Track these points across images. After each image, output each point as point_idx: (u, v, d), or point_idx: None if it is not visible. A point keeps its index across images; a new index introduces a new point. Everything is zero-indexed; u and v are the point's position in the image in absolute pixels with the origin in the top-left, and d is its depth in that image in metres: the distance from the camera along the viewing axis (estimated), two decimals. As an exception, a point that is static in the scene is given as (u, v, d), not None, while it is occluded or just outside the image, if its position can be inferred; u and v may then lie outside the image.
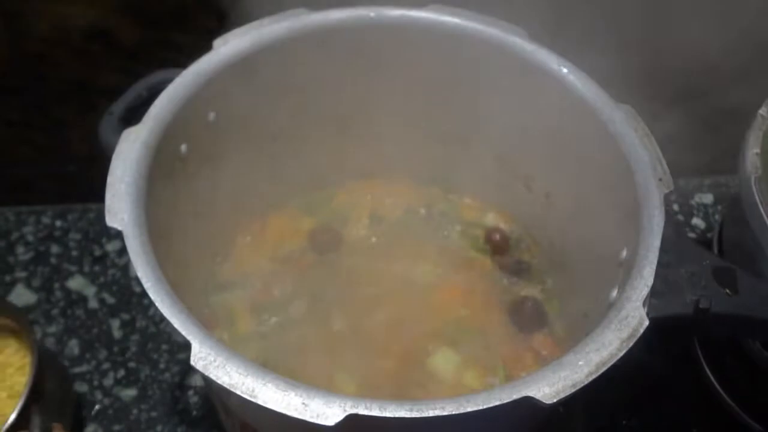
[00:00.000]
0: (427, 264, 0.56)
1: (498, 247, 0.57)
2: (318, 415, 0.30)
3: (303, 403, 0.30)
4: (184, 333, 0.32)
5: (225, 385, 0.31)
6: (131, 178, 0.38)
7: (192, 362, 0.32)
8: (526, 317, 0.53)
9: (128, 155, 0.39)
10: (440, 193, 0.60)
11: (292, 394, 0.31)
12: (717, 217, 0.76)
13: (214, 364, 0.31)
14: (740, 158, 0.51)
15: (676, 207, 0.77)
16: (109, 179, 0.38)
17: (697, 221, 0.76)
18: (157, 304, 0.33)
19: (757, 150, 0.50)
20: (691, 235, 0.75)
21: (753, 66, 0.74)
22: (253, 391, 0.31)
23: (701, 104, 0.78)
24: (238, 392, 0.31)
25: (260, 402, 0.30)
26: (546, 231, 0.54)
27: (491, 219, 0.58)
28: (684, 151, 0.83)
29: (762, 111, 0.52)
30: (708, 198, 0.78)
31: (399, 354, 0.51)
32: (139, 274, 0.34)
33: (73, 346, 0.64)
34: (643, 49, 0.69)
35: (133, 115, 0.43)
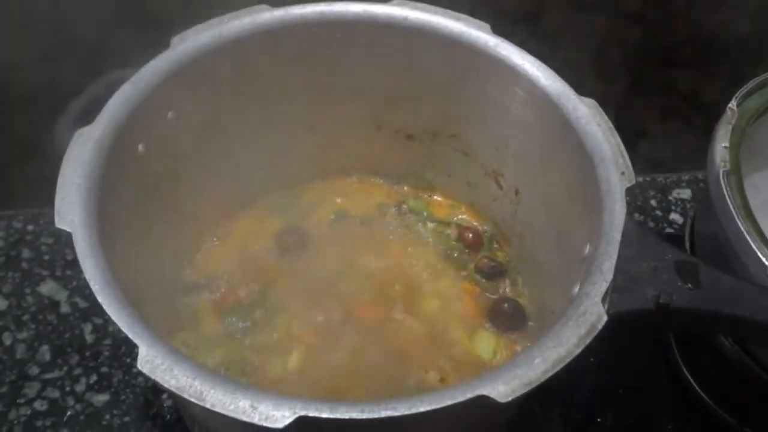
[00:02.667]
0: (398, 264, 0.55)
1: (471, 245, 0.56)
2: (267, 418, 0.29)
3: (252, 406, 0.30)
4: (131, 336, 0.32)
5: (172, 389, 0.30)
6: (82, 180, 0.38)
7: (139, 366, 0.31)
8: (506, 318, 0.52)
9: (79, 156, 0.38)
10: (411, 192, 0.59)
11: (240, 396, 0.30)
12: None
13: (161, 367, 0.31)
14: (710, 152, 0.51)
15: (654, 202, 0.77)
16: (60, 181, 0.38)
17: (675, 216, 0.76)
18: (104, 307, 0.33)
19: (726, 144, 0.50)
20: (669, 230, 0.75)
21: (728, 62, 0.75)
22: (201, 394, 0.30)
23: (679, 100, 0.78)
24: (186, 396, 0.30)
25: (208, 405, 0.30)
26: (516, 228, 0.54)
27: (463, 217, 0.58)
28: (663, 148, 0.83)
29: (731, 105, 0.52)
30: (686, 193, 0.78)
31: (371, 356, 0.50)
32: (87, 277, 0.34)
33: (45, 352, 0.63)
34: (618, 43, 0.69)
35: (89, 115, 0.42)
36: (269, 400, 0.30)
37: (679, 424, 0.59)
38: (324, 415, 0.29)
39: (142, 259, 0.43)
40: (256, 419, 0.29)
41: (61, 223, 0.36)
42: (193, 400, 0.30)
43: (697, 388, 0.57)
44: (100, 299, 0.33)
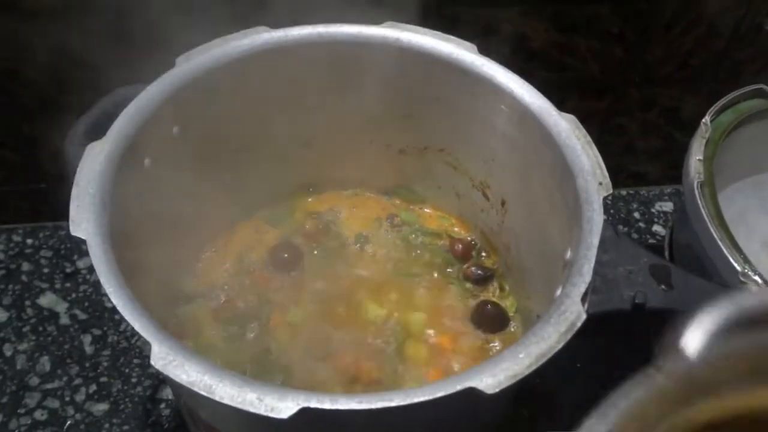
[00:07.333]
0: (390, 276, 0.57)
1: (461, 256, 0.58)
2: (272, 409, 0.31)
3: (258, 398, 0.32)
4: (144, 335, 0.34)
5: (184, 383, 0.32)
6: (95, 190, 0.40)
7: (152, 362, 0.33)
8: (488, 320, 0.54)
9: (92, 168, 0.41)
10: (403, 205, 0.61)
11: (248, 389, 0.32)
12: (675, 224, 0.78)
13: (173, 363, 0.33)
14: (685, 164, 0.54)
15: (637, 215, 0.80)
16: (74, 191, 0.40)
17: (658, 228, 0.79)
18: (118, 308, 0.35)
19: (700, 156, 0.53)
20: (652, 241, 0.77)
21: (707, 80, 0.77)
22: (210, 388, 0.32)
23: (660, 117, 0.81)
24: (196, 389, 0.32)
25: (217, 398, 0.32)
26: (502, 237, 0.56)
27: (453, 228, 0.60)
28: (646, 162, 0.85)
29: (705, 120, 0.55)
30: (668, 206, 0.81)
31: (361, 367, 0.51)
32: (102, 280, 0.36)
33: (45, 363, 0.64)
34: (600, 62, 0.72)
35: (98, 131, 0.44)
36: (275, 393, 0.32)
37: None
38: (325, 406, 0.32)
39: (147, 267, 0.45)
40: (262, 410, 0.31)
41: (76, 231, 0.37)
42: (203, 393, 0.32)
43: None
44: (114, 300, 0.35)
